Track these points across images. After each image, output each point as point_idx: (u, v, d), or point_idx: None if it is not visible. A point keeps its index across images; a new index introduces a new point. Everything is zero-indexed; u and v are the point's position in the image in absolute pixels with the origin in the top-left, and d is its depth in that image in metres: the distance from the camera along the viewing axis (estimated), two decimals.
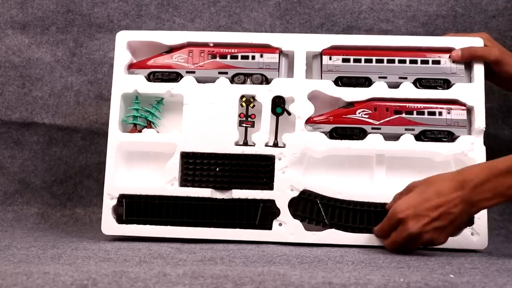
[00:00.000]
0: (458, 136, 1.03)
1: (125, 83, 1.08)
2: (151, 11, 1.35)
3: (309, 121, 1.05)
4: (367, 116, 1.04)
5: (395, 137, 1.04)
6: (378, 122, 1.04)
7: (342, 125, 1.04)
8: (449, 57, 1.05)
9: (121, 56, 1.09)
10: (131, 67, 1.10)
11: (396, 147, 1.03)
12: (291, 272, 0.62)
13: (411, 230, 0.86)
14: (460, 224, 0.88)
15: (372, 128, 1.04)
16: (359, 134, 1.04)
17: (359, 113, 1.04)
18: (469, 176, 0.85)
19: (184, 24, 1.34)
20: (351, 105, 1.05)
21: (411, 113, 1.04)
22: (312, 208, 1.00)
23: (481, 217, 0.98)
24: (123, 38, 1.10)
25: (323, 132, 1.04)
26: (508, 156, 0.85)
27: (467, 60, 1.05)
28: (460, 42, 1.06)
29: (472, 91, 1.04)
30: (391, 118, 1.04)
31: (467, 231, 0.98)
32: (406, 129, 1.04)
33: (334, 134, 1.05)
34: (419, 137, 1.04)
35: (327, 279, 0.59)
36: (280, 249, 0.91)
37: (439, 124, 1.04)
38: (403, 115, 1.04)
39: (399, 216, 0.87)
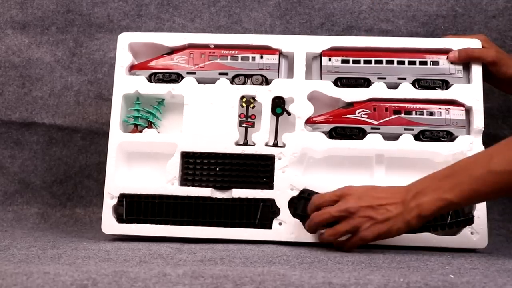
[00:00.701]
0: (457, 136, 1.03)
1: (126, 84, 1.09)
2: (151, 11, 1.35)
3: (308, 121, 1.05)
4: (366, 116, 1.04)
5: (395, 137, 1.04)
6: (377, 122, 1.04)
7: (342, 125, 1.04)
8: (447, 58, 1.06)
9: (123, 58, 1.10)
10: (133, 69, 1.11)
11: (395, 147, 1.04)
12: (291, 272, 0.62)
13: (348, 205, 0.86)
14: (393, 228, 0.86)
15: (372, 128, 1.04)
16: (359, 134, 1.04)
17: (358, 113, 1.04)
18: (413, 186, 0.86)
19: (184, 24, 1.34)
20: (351, 105, 1.06)
21: (410, 113, 1.04)
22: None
23: (481, 216, 0.99)
24: (125, 40, 1.11)
25: (322, 132, 1.04)
26: (453, 163, 0.86)
27: (464, 61, 1.06)
28: (457, 44, 1.07)
29: (470, 91, 1.04)
30: (390, 118, 1.04)
31: (466, 230, 0.98)
32: (405, 129, 1.04)
33: (333, 134, 1.05)
34: (418, 137, 1.04)
35: (327, 279, 0.59)
36: (280, 249, 0.91)
37: (438, 124, 1.04)
38: (402, 115, 1.04)
39: (345, 191, 0.88)
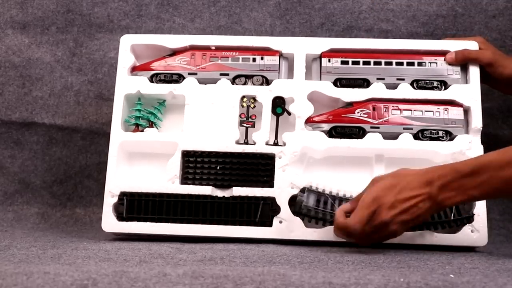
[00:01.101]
0: (456, 136, 1.04)
1: (128, 84, 1.10)
2: (151, 11, 1.35)
3: (309, 121, 1.05)
4: (366, 115, 1.04)
5: (394, 137, 1.04)
6: (377, 122, 1.05)
7: (342, 124, 1.05)
8: (444, 59, 1.07)
9: (125, 59, 1.11)
10: (134, 70, 1.12)
11: (395, 147, 1.04)
12: (291, 272, 0.62)
13: (384, 218, 0.85)
14: (422, 220, 0.89)
15: (371, 127, 1.05)
16: (358, 133, 1.05)
17: (358, 113, 1.05)
18: (435, 176, 0.85)
19: (184, 24, 1.34)
20: (350, 105, 1.06)
21: (409, 113, 1.05)
22: (316, 204, 0.99)
23: (481, 214, 0.99)
24: (127, 41, 1.12)
25: (322, 132, 1.05)
26: (470, 159, 0.87)
27: (461, 62, 1.07)
28: (455, 45, 1.08)
29: (468, 92, 1.06)
30: (390, 117, 1.05)
31: (467, 228, 0.99)
32: (404, 128, 1.04)
33: (333, 133, 1.05)
34: (417, 137, 1.04)
35: (327, 279, 0.59)
36: (280, 249, 0.91)
37: (437, 124, 1.04)
38: (402, 114, 1.04)
39: (375, 207, 0.87)
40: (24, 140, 1.34)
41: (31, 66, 1.36)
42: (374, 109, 1.05)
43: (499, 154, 0.85)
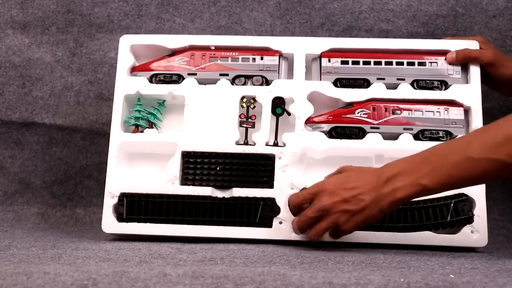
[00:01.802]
0: (456, 136, 1.04)
1: (127, 84, 1.10)
2: (151, 11, 1.35)
3: (308, 121, 1.05)
4: (366, 116, 1.04)
5: (394, 137, 1.04)
6: (377, 122, 1.05)
7: (341, 125, 1.05)
8: (445, 59, 1.07)
9: (124, 59, 1.11)
10: (134, 70, 1.12)
11: (395, 147, 1.04)
12: (291, 272, 0.62)
13: (323, 203, 0.86)
14: (370, 216, 0.84)
15: (371, 128, 1.05)
16: (358, 133, 1.05)
17: (358, 113, 1.05)
18: (385, 169, 0.84)
19: (184, 24, 1.34)
20: (350, 106, 1.06)
21: (410, 113, 1.05)
22: None
23: (481, 215, 0.99)
24: (127, 42, 1.12)
25: (322, 132, 1.05)
26: (427, 149, 0.84)
27: (462, 62, 1.07)
28: (455, 45, 1.08)
29: (469, 91, 1.05)
30: (390, 118, 1.05)
31: (466, 229, 0.99)
32: (404, 129, 1.04)
33: (333, 134, 1.05)
34: (417, 137, 1.04)
35: (328, 279, 0.59)
36: (281, 249, 0.91)
37: (437, 124, 1.04)
38: (402, 114, 1.04)
39: (318, 189, 0.88)
40: (24, 140, 1.34)
41: (31, 66, 1.36)
42: (374, 109, 1.05)
43: (448, 142, 0.85)
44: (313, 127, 1.06)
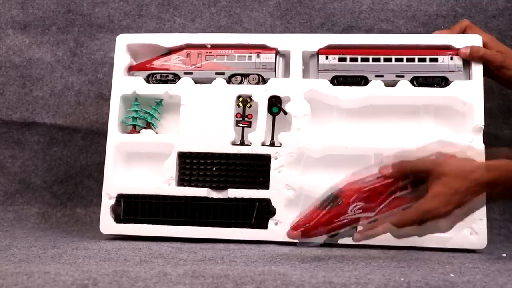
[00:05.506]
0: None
1: (124, 85, 1.09)
2: (151, 11, 1.35)
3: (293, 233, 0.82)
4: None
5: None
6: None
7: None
8: (457, 54, 1.04)
9: (121, 59, 1.11)
10: (131, 70, 1.12)
11: (394, 146, 1.02)
12: (291, 271, 0.62)
13: (432, 212, 0.80)
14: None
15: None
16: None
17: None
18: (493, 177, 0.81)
19: (185, 24, 1.34)
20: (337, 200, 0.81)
21: (405, 188, 0.84)
22: None
23: (481, 217, 0.98)
24: (123, 41, 1.11)
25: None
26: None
27: (473, 59, 1.04)
28: (459, 40, 1.05)
29: (470, 88, 1.02)
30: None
31: (466, 230, 0.98)
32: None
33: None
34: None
35: (328, 278, 0.59)
36: (281, 249, 0.91)
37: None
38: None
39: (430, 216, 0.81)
40: (24, 140, 1.34)
41: (31, 66, 1.36)
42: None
43: None
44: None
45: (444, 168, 0.82)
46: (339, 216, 0.79)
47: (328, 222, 0.79)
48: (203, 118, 1.06)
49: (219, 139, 1.05)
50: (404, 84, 1.04)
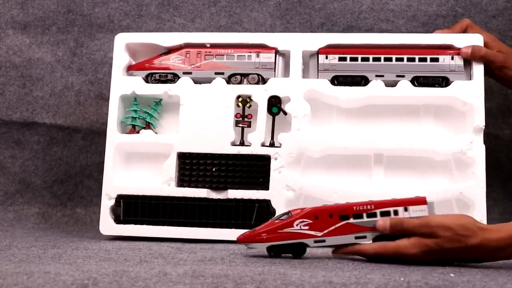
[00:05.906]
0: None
1: (123, 84, 1.09)
2: (151, 11, 1.35)
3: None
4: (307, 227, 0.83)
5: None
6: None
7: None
8: (458, 53, 1.03)
9: (120, 58, 1.10)
10: (130, 69, 1.11)
11: (394, 146, 1.03)
12: (291, 271, 0.62)
13: (445, 246, 0.76)
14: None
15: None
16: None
17: (297, 225, 0.83)
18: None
19: (185, 24, 1.34)
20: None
21: (360, 217, 0.82)
22: None
23: (481, 218, 0.97)
24: (122, 40, 1.11)
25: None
26: None
27: (474, 59, 1.03)
28: (460, 40, 1.05)
29: (471, 88, 1.02)
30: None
31: None
32: (356, 237, 0.82)
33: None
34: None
35: (328, 278, 0.59)
36: None
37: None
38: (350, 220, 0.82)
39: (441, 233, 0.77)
40: (24, 140, 1.34)
41: (31, 66, 1.36)
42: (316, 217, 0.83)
43: None
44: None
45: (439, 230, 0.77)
46: (283, 228, 0.82)
47: (271, 231, 0.83)
48: (203, 118, 1.06)
49: (218, 139, 1.05)
50: (404, 84, 1.04)
